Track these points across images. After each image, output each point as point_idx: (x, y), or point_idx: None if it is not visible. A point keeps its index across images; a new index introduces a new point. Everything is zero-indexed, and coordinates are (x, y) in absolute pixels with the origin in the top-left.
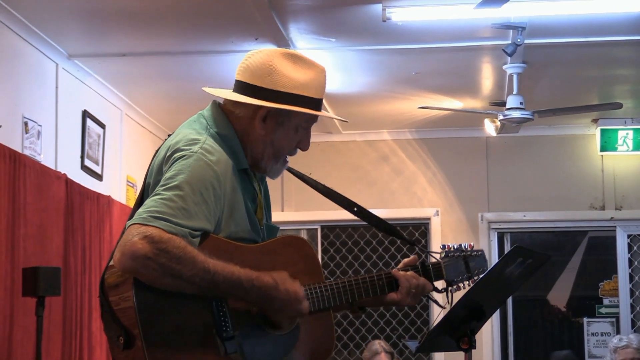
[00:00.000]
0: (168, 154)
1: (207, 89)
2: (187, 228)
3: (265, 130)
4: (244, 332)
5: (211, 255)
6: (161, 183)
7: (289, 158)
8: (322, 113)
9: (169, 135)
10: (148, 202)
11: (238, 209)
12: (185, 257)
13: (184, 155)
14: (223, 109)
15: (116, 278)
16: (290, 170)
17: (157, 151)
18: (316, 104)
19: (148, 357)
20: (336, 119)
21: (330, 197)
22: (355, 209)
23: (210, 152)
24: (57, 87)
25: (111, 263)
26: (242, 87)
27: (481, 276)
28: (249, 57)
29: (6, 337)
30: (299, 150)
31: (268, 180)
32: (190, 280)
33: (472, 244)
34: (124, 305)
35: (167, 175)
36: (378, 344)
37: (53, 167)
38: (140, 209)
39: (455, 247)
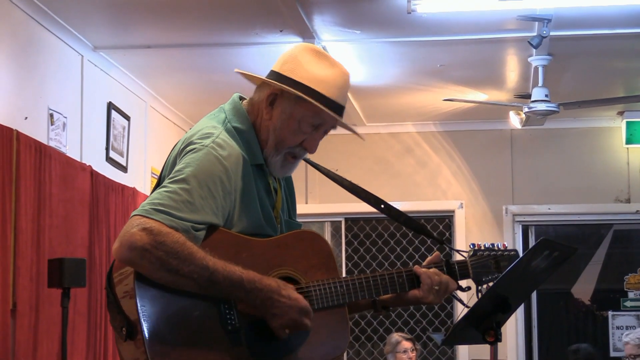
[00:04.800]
0: (182, 147)
1: (238, 70)
2: (190, 222)
3: (270, 115)
4: (250, 325)
5: (217, 249)
6: (169, 175)
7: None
8: (319, 105)
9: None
10: (153, 194)
11: (251, 204)
12: (182, 252)
13: (195, 149)
14: (243, 103)
15: (121, 269)
16: (316, 166)
17: (175, 145)
18: (326, 102)
19: (148, 349)
20: (344, 126)
21: (356, 193)
22: (383, 206)
23: (221, 146)
24: (82, 78)
25: None
26: (269, 73)
27: (507, 268)
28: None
29: (32, 328)
30: (309, 150)
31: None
32: (188, 276)
33: (505, 243)
34: (127, 296)
35: (176, 168)
36: (396, 335)
37: (78, 159)
38: (145, 201)
39: (486, 246)
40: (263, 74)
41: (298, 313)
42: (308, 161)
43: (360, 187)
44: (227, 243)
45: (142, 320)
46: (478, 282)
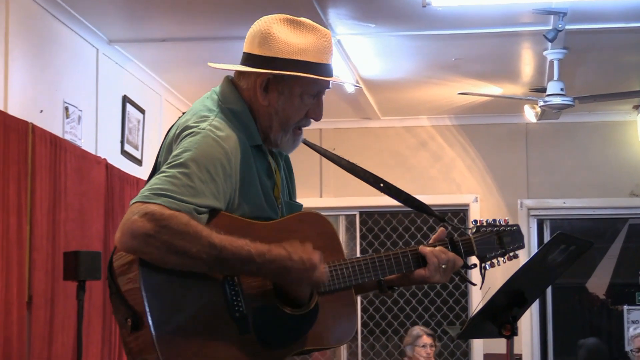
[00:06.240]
0: (178, 132)
1: (212, 64)
2: (192, 204)
3: (268, 100)
4: (258, 311)
5: (219, 231)
6: (168, 161)
7: (305, 130)
8: (321, 77)
9: (183, 114)
10: (152, 180)
11: (251, 187)
12: (189, 233)
13: (192, 132)
14: (235, 84)
15: (123, 259)
16: (313, 146)
17: (169, 130)
18: (319, 69)
19: (156, 338)
20: (340, 82)
21: (354, 173)
22: (382, 184)
23: (219, 128)
24: (97, 72)
25: None
26: (244, 58)
27: (524, 263)
28: (252, 26)
29: (47, 320)
30: (313, 121)
31: (304, 163)
32: (196, 257)
33: (507, 218)
34: (131, 286)
35: (174, 153)
36: (419, 328)
37: (93, 152)
38: (144, 188)
39: (488, 221)
40: None
41: (314, 271)
42: (304, 142)
43: (358, 167)
44: (230, 228)
45: (148, 310)
46: (482, 259)
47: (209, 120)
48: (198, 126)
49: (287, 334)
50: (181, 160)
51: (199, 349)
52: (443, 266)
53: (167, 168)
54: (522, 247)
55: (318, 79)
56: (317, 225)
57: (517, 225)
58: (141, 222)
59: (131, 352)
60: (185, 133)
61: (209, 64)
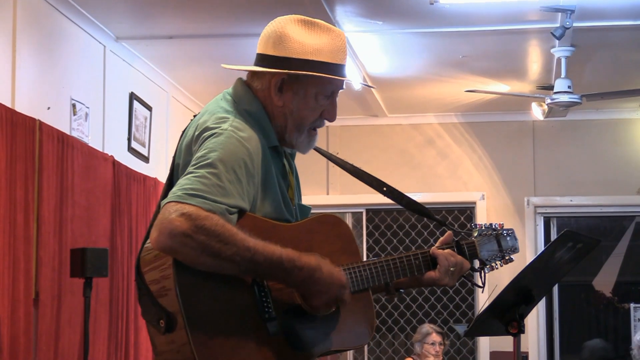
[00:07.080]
0: (197, 133)
1: (226, 65)
2: (224, 205)
3: (283, 100)
4: (286, 313)
5: (250, 234)
6: (192, 162)
7: (318, 131)
8: (336, 77)
9: (195, 116)
10: (181, 180)
11: (271, 188)
12: (224, 234)
13: (215, 133)
14: (248, 85)
15: (153, 259)
16: (318, 150)
17: (184, 131)
18: (334, 69)
19: (192, 339)
20: (355, 82)
21: (358, 176)
22: (385, 188)
23: (240, 129)
24: (104, 69)
25: (147, 244)
26: (258, 59)
27: (531, 260)
28: (265, 27)
29: (54, 317)
30: (327, 122)
31: (311, 160)
32: (230, 259)
33: (501, 223)
34: (164, 287)
35: (199, 154)
36: (428, 326)
37: (100, 149)
38: (174, 188)
39: (486, 225)
40: None
41: (339, 288)
42: None
43: (361, 170)
44: (257, 229)
45: (183, 312)
46: (483, 262)
47: (229, 121)
48: (219, 127)
49: (313, 335)
50: (209, 160)
51: (233, 351)
52: (452, 269)
53: (195, 168)
54: (517, 250)
55: (334, 78)
56: (336, 228)
57: (512, 230)
58: (179, 221)
59: (162, 353)
60: (207, 134)
61: (223, 65)
